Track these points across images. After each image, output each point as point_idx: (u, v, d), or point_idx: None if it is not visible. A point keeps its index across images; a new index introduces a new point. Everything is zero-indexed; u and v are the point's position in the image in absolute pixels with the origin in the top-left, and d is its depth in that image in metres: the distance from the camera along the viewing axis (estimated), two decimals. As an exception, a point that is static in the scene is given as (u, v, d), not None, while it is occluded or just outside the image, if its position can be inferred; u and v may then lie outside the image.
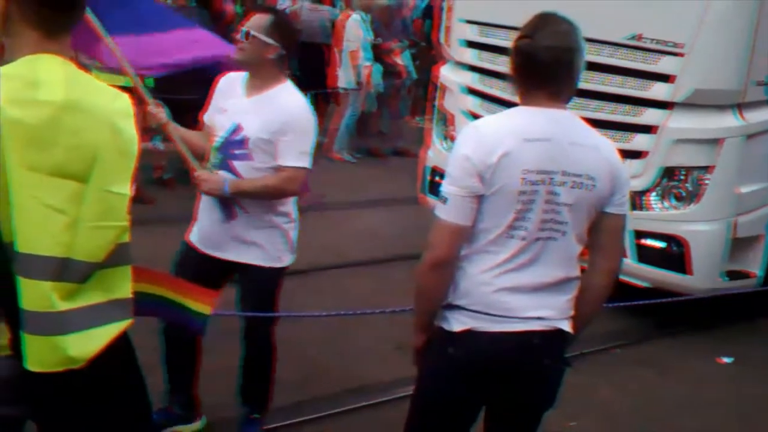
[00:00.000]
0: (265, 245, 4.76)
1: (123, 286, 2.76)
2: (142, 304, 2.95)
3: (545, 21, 3.28)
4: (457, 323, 3.30)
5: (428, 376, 3.49)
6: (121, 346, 2.81)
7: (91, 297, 2.69)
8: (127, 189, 2.65)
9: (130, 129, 2.67)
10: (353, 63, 12.55)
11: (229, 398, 5.33)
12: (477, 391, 3.38)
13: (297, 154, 4.57)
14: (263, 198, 4.68)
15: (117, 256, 2.72)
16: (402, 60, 13.48)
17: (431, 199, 7.77)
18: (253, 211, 4.68)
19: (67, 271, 2.60)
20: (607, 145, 3.37)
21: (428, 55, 13.45)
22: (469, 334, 3.28)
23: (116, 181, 2.64)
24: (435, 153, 8.38)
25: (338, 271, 7.55)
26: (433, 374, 3.46)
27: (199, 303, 3.16)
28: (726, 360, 7.01)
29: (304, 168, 4.62)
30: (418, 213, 8.09)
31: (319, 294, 7.21)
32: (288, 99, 4.65)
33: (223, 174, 4.61)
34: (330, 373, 6.07)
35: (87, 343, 2.67)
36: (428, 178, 8.29)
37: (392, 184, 10.79)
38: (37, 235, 2.57)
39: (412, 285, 3.42)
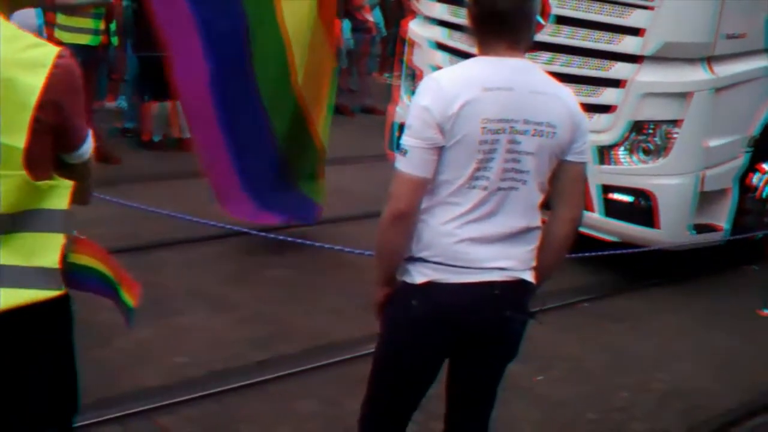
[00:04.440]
0: None
1: (48, 254, 2.70)
2: (80, 278, 2.90)
3: None
4: (419, 275, 3.27)
5: (390, 329, 3.45)
6: (46, 317, 2.75)
7: (8, 257, 2.64)
8: (17, 140, 2.56)
9: (28, 80, 2.56)
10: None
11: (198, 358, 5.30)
12: (439, 343, 3.35)
13: None
14: None
15: (42, 222, 2.68)
16: (372, 17, 13.39)
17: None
18: None
19: None
20: (567, 93, 3.34)
21: (396, 10, 13.36)
22: (430, 285, 3.24)
23: (6, 132, 2.56)
24: (403, 109, 8.33)
25: (305, 229, 7.49)
26: (395, 327, 3.42)
27: (128, 293, 3.10)
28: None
29: None
30: (387, 170, 8.02)
31: (285, 252, 7.16)
32: None
33: None
34: (296, 332, 6.04)
35: None
36: (396, 134, 8.24)
37: (360, 141, 10.74)
38: None
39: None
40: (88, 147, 2.79)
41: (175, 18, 7.01)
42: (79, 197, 2.84)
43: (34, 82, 2.56)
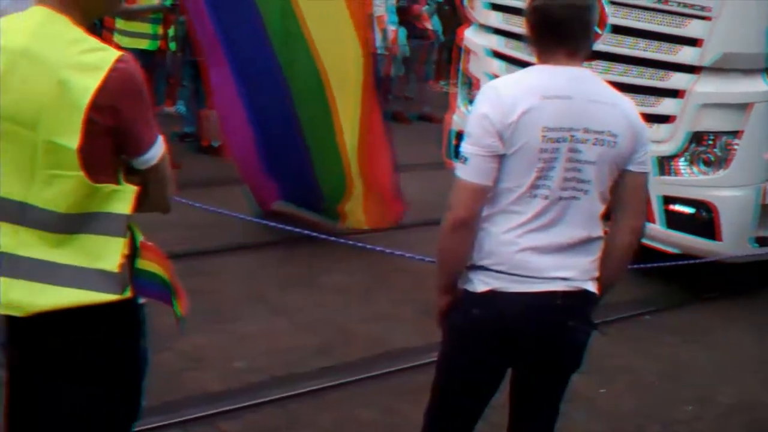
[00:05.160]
0: None
1: (109, 257, 2.72)
2: (144, 284, 2.91)
3: None
4: (480, 284, 3.28)
5: (452, 338, 3.47)
6: (107, 320, 2.79)
7: (68, 257, 2.70)
8: (71, 141, 2.60)
9: (82, 81, 2.60)
10: (380, 27, 12.49)
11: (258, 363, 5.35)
12: (501, 353, 3.35)
13: None
14: None
15: (103, 225, 2.72)
16: (431, 24, 13.44)
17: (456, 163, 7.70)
18: None
19: (23, 215, 2.68)
20: (626, 102, 3.34)
21: (452, 18, 13.37)
22: (492, 294, 3.25)
23: (60, 132, 2.61)
24: (460, 117, 8.34)
25: (361, 236, 7.52)
26: (457, 336, 3.44)
27: (179, 302, 3.14)
28: None
29: None
30: (444, 178, 8.05)
31: (344, 258, 7.21)
32: None
33: None
34: (355, 339, 6.06)
35: (37, 295, 2.69)
36: (453, 142, 8.25)
37: (417, 149, 10.74)
38: None
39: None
40: (156, 153, 2.78)
41: (203, 28, 7.16)
42: (155, 204, 2.88)
43: (88, 84, 2.59)
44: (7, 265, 2.69)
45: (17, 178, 2.66)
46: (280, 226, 6.98)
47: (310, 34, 7.09)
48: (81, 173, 2.63)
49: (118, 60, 2.64)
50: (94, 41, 2.72)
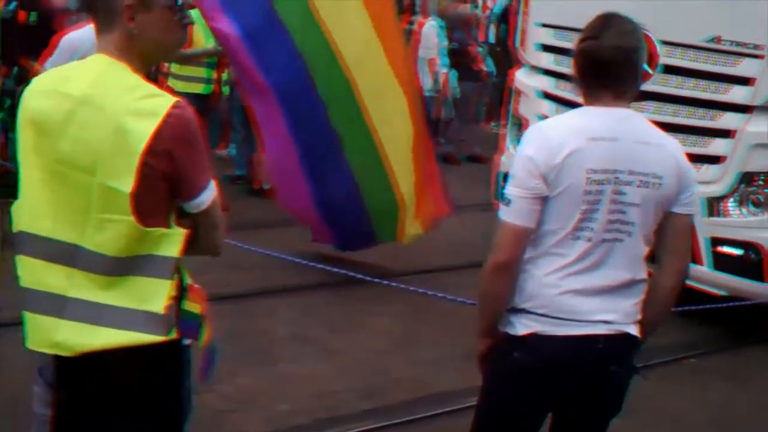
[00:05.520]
0: None
1: (156, 299, 2.77)
2: (189, 326, 2.94)
3: (609, 21, 3.25)
4: (522, 327, 3.26)
5: (493, 381, 3.45)
6: (152, 361, 2.82)
7: (116, 298, 2.75)
8: (125, 185, 2.65)
9: (138, 127, 2.65)
10: (431, 69, 12.52)
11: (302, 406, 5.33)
12: (543, 396, 3.32)
13: None
14: None
15: (151, 267, 2.76)
16: (485, 66, 13.48)
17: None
18: None
19: (75, 258, 2.74)
20: (673, 143, 3.31)
21: (503, 59, 13.39)
22: (534, 337, 3.23)
23: (115, 176, 2.67)
24: (508, 158, 8.31)
25: (410, 278, 7.51)
26: (498, 379, 3.42)
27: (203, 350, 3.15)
28: None
29: None
30: (492, 219, 8.00)
31: (389, 300, 7.18)
32: None
33: None
34: (399, 382, 6.02)
35: (84, 336, 2.75)
36: (501, 183, 8.22)
37: (466, 190, 10.72)
38: (42, 217, 2.77)
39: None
40: (207, 197, 2.83)
41: (246, 74, 7.23)
42: (205, 247, 2.93)
43: (145, 130, 2.64)
44: (56, 306, 2.76)
45: (72, 222, 2.73)
46: (327, 267, 6.99)
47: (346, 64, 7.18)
48: (132, 218, 2.68)
49: (174, 106, 2.70)
50: (150, 87, 2.79)
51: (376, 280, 6.79)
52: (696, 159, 3.26)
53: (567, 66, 7.69)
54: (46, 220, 2.76)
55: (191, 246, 2.83)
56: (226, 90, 10.77)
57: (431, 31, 12.57)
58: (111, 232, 2.70)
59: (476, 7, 16.35)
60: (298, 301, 7.34)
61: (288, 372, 5.99)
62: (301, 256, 7.47)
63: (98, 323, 2.74)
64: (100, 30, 2.83)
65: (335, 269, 7.02)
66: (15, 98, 7.67)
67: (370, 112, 7.29)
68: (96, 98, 2.71)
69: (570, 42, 7.61)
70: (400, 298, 7.05)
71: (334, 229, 7.68)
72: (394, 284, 6.87)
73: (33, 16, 9.66)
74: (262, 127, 7.55)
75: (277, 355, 6.20)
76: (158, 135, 2.65)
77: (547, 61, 8.13)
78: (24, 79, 7.48)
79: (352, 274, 6.79)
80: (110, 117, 2.67)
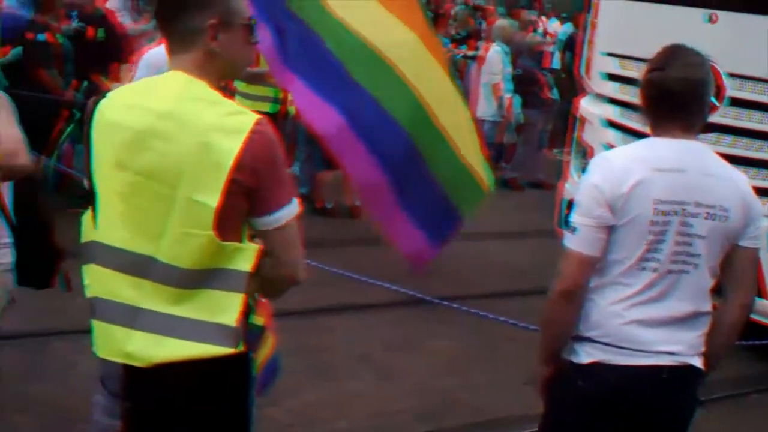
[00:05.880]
0: None
1: (229, 312, 2.80)
2: (255, 339, 2.99)
3: (676, 53, 3.27)
4: (585, 355, 3.28)
5: (555, 408, 3.46)
6: (221, 373, 2.86)
7: (188, 311, 2.79)
8: (212, 200, 2.71)
9: (225, 143, 2.71)
10: (495, 95, 12.55)
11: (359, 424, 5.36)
12: (604, 425, 3.33)
13: None
14: None
15: (224, 281, 2.79)
16: (552, 93, 13.49)
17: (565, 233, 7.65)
18: None
19: (148, 269, 2.78)
20: (739, 176, 3.32)
21: (568, 86, 13.37)
22: (597, 366, 3.24)
23: (201, 190, 2.72)
24: (572, 186, 8.30)
25: (472, 301, 7.51)
26: (560, 407, 3.43)
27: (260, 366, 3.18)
28: None
29: None
30: (554, 246, 8.01)
31: (451, 322, 7.21)
32: None
33: None
34: (458, 405, 6.03)
35: (156, 347, 2.79)
36: (564, 211, 8.21)
37: (529, 216, 10.72)
38: (117, 228, 2.81)
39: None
40: (288, 213, 2.85)
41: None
42: (282, 271, 2.91)
43: (232, 146, 2.71)
44: (128, 316, 2.80)
45: (148, 234, 2.78)
46: (388, 286, 7.01)
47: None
48: (212, 232, 2.72)
49: (257, 123, 2.77)
50: (233, 104, 2.88)
51: (437, 301, 6.81)
52: (763, 192, 3.25)
53: (632, 95, 7.68)
54: (122, 231, 2.80)
55: (264, 269, 2.84)
56: (291, 110, 10.87)
57: (496, 57, 12.58)
58: (190, 246, 2.74)
59: (543, 35, 16.38)
60: (359, 319, 7.38)
61: (347, 389, 6.02)
62: (365, 275, 7.53)
63: (170, 335, 2.78)
64: (176, 49, 2.89)
65: (396, 287, 7.05)
66: (84, 112, 7.83)
67: (433, 109, 7.30)
68: (179, 113, 2.77)
69: (636, 72, 7.60)
70: (461, 321, 7.07)
71: (423, 224, 7.54)
72: (455, 306, 6.88)
73: (101, 33, 9.90)
74: (339, 154, 7.53)
75: (338, 373, 6.24)
76: (244, 152, 2.71)
77: (612, 89, 8.12)
78: (93, 93, 7.63)
79: (412, 293, 6.81)
80: (195, 132, 2.73)
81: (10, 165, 3.91)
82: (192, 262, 2.76)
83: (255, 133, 2.74)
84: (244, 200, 2.78)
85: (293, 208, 2.87)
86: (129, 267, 2.81)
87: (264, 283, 2.90)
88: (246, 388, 3.01)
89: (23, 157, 4.00)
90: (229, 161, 2.70)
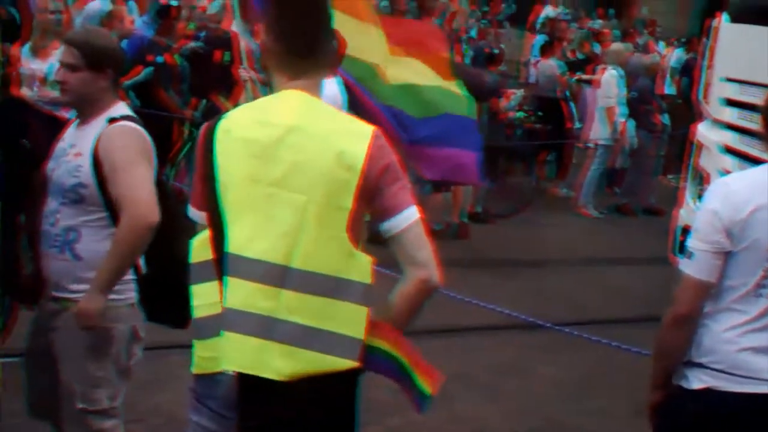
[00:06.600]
0: None
1: (354, 324, 2.85)
2: (373, 359, 2.94)
3: None
4: (696, 381, 3.24)
5: (664, 434, 3.42)
6: (341, 385, 2.90)
7: (323, 322, 2.83)
8: (347, 202, 2.82)
9: (353, 147, 2.85)
10: (610, 119, 12.45)
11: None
12: (713, 453, 3.28)
13: None
14: None
15: (352, 293, 2.84)
16: (662, 119, 13.36)
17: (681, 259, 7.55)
18: None
19: (284, 279, 2.83)
20: None
21: (684, 112, 13.19)
22: (708, 392, 3.21)
23: (338, 195, 2.82)
24: (687, 212, 8.17)
25: (581, 327, 7.46)
26: (668, 432, 3.38)
27: (425, 380, 3.13)
28: None
29: None
30: (668, 273, 7.91)
31: (558, 348, 7.17)
32: None
33: None
34: (564, 431, 6.00)
35: (293, 360, 2.82)
36: (679, 237, 8.09)
37: (642, 242, 10.60)
38: (252, 238, 2.86)
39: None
40: (410, 215, 2.88)
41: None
42: (421, 272, 2.89)
43: (360, 149, 2.84)
44: (265, 328, 2.83)
45: (282, 243, 2.84)
46: (500, 309, 6.99)
47: None
48: (347, 234, 2.82)
49: (375, 129, 2.92)
50: (347, 115, 3.08)
51: (548, 325, 6.77)
52: None
53: (751, 121, 7.54)
54: (258, 242, 2.85)
55: (405, 297, 2.89)
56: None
57: (611, 81, 12.50)
58: (326, 250, 2.82)
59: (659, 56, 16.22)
60: (468, 341, 7.38)
61: (455, 410, 6.01)
62: (477, 298, 7.52)
63: (306, 347, 2.82)
64: (300, 72, 3.00)
65: (509, 311, 7.03)
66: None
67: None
68: (306, 125, 2.89)
69: (756, 98, 7.47)
70: (571, 346, 7.03)
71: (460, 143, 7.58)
72: (566, 330, 6.83)
73: (227, 56, 10.13)
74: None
75: (446, 394, 6.21)
76: (371, 155, 2.84)
77: (731, 115, 7.98)
78: (211, 113, 7.79)
79: (524, 317, 6.79)
80: (324, 139, 2.86)
81: (140, 233, 3.81)
82: (327, 267, 2.83)
83: (377, 138, 2.89)
84: (366, 204, 2.87)
85: (415, 210, 2.91)
86: (266, 277, 2.84)
87: (401, 298, 2.91)
88: (356, 402, 3.02)
89: (153, 215, 3.82)
90: (360, 163, 2.82)
